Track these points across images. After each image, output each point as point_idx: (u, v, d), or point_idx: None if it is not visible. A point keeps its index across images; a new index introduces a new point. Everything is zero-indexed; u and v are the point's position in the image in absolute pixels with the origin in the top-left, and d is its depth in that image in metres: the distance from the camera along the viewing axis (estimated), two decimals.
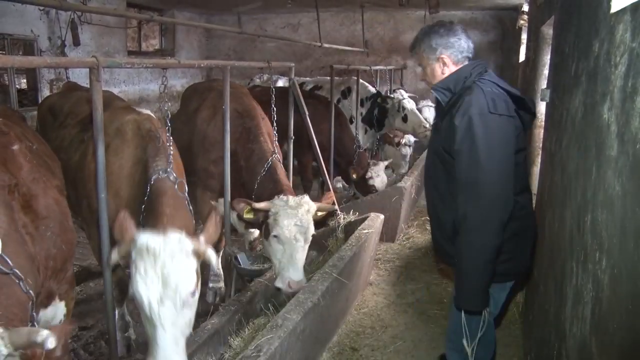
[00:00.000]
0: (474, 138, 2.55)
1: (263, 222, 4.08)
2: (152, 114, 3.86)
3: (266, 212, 4.00)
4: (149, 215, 3.14)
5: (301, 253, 3.94)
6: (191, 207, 3.43)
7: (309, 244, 4.05)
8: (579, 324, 2.23)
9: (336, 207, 4.88)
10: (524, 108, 2.80)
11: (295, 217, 3.91)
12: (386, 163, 7.57)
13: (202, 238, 2.73)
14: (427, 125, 8.61)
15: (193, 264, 2.63)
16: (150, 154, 3.42)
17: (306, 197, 4.09)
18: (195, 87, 5.82)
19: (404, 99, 8.70)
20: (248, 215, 4.01)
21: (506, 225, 2.62)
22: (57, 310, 2.84)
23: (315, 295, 3.50)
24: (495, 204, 2.56)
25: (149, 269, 2.49)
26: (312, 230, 4.02)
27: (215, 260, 2.78)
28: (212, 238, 2.80)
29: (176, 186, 3.32)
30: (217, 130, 4.64)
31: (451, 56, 2.82)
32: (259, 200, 4.26)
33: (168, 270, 2.49)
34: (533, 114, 2.91)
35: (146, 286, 2.48)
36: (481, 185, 2.55)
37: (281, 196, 4.03)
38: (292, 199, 3.99)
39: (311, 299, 3.45)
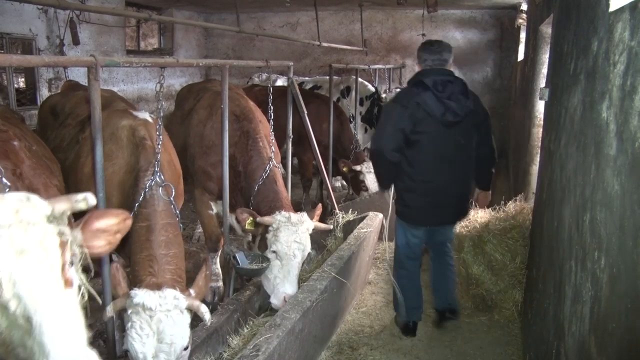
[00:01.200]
0: (382, 115, 4.10)
1: (261, 234, 4.13)
2: (149, 118, 3.79)
3: (267, 226, 4.04)
4: (138, 247, 3.06)
5: (297, 267, 4.02)
6: (177, 212, 3.37)
7: (304, 259, 4.14)
8: (578, 322, 2.23)
9: (331, 226, 4.91)
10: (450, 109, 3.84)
11: (296, 234, 3.98)
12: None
13: (192, 292, 2.84)
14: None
15: (187, 320, 2.75)
16: (142, 165, 3.39)
17: (305, 215, 4.14)
18: (190, 88, 5.78)
19: None
20: (249, 227, 4.06)
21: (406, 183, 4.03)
22: None
23: (314, 295, 3.50)
24: (378, 151, 3.95)
25: (144, 325, 2.61)
26: (309, 248, 4.10)
27: (209, 316, 2.84)
28: (202, 292, 2.92)
29: (160, 190, 3.26)
30: (215, 132, 4.60)
31: (419, 63, 4.15)
32: (257, 207, 4.26)
33: (164, 326, 2.62)
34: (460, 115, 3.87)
35: (142, 341, 2.60)
36: (376, 140, 4.07)
37: (283, 212, 4.07)
38: (294, 217, 4.05)
39: (310, 298, 3.45)
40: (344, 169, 6.92)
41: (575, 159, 2.64)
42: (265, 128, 4.77)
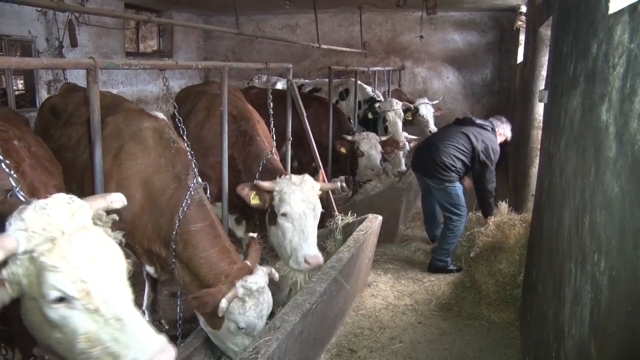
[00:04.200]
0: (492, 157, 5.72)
1: (269, 207, 4.04)
2: (165, 118, 3.83)
3: (271, 193, 3.98)
4: (208, 244, 3.33)
5: (312, 227, 3.90)
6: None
7: (317, 220, 4.03)
8: (578, 325, 2.22)
9: (338, 184, 4.89)
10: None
11: (302, 192, 3.92)
12: (380, 137, 7.33)
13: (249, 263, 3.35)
14: (404, 142, 8.31)
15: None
16: (180, 168, 3.47)
17: (307, 176, 4.09)
18: (188, 90, 5.78)
19: (389, 110, 8.42)
20: (255, 201, 4.00)
21: None
22: None
23: (313, 297, 3.49)
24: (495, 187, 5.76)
25: (259, 302, 3.19)
26: (319, 207, 4.03)
27: (277, 275, 3.50)
28: (255, 262, 3.39)
29: (199, 192, 3.47)
30: (212, 133, 4.61)
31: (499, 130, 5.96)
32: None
33: (268, 297, 3.26)
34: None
35: (260, 315, 3.19)
36: (493, 179, 5.69)
37: (283, 176, 4.05)
38: (294, 177, 4.01)
39: (309, 300, 3.44)
40: (342, 150, 6.90)
41: (574, 162, 2.64)
42: (263, 129, 4.78)
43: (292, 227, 3.88)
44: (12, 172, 2.22)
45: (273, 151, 4.60)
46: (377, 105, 8.70)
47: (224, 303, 3.03)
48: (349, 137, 7.02)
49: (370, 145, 7.02)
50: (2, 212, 2.03)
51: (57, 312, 1.80)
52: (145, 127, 3.58)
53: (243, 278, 3.17)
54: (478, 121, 5.76)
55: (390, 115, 8.35)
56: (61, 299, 1.78)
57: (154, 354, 1.84)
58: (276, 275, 3.40)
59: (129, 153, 3.44)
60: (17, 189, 2.14)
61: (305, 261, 3.82)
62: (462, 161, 5.52)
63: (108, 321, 1.82)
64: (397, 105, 8.50)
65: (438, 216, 6.37)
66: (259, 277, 3.22)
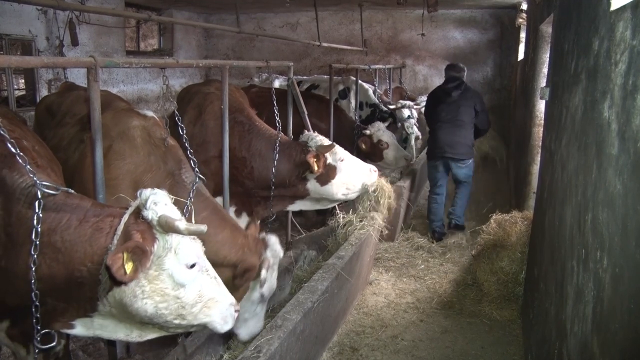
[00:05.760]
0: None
1: (324, 167, 4.61)
2: (155, 116, 3.80)
3: (325, 157, 4.61)
4: (219, 227, 3.37)
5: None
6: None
7: None
8: (580, 323, 2.22)
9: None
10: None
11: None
12: (380, 124, 7.32)
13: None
14: (415, 160, 8.26)
15: None
16: (172, 165, 3.49)
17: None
18: (188, 89, 5.80)
19: (411, 134, 8.25)
20: (316, 167, 4.51)
21: None
22: None
23: (315, 295, 3.49)
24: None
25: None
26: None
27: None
28: (257, 232, 3.61)
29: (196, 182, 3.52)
30: (205, 129, 4.70)
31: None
32: (280, 178, 4.62)
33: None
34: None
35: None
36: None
37: (312, 135, 4.81)
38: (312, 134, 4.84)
39: (311, 299, 3.44)
40: (363, 146, 6.89)
41: (576, 159, 2.63)
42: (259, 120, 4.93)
43: (352, 160, 4.84)
44: (27, 165, 2.40)
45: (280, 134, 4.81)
46: (406, 126, 8.45)
47: (264, 274, 3.25)
48: (368, 132, 7.01)
49: (389, 134, 7.08)
50: (62, 206, 2.43)
51: (189, 274, 2.38)
52: (134, 126, 3.54)
53: (268, 248, 3.39)
54: (458, 83, 6.56)
55: (411, 137, 8.24)
56: (193, 265, 2.39)
57: (235, 301, 2.64)
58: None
59: (117, 152, 3.39)
60: (38, 180, 2.36)
61: (373, 170, 4.95)
62: (474, 126, 6.50)
63: (211, 279, 2.50)
64: (414, 126, 8.40)
65: (443, 210, 6.85)
66: (278, 244, 3.49)
